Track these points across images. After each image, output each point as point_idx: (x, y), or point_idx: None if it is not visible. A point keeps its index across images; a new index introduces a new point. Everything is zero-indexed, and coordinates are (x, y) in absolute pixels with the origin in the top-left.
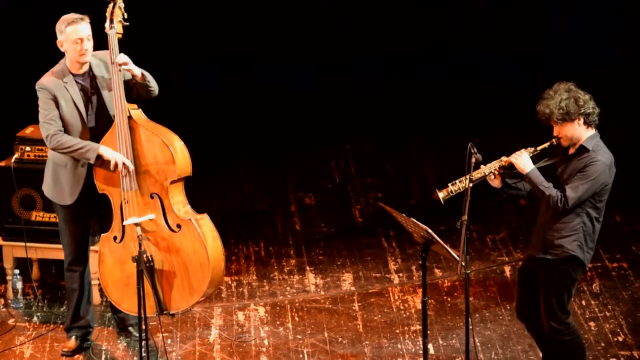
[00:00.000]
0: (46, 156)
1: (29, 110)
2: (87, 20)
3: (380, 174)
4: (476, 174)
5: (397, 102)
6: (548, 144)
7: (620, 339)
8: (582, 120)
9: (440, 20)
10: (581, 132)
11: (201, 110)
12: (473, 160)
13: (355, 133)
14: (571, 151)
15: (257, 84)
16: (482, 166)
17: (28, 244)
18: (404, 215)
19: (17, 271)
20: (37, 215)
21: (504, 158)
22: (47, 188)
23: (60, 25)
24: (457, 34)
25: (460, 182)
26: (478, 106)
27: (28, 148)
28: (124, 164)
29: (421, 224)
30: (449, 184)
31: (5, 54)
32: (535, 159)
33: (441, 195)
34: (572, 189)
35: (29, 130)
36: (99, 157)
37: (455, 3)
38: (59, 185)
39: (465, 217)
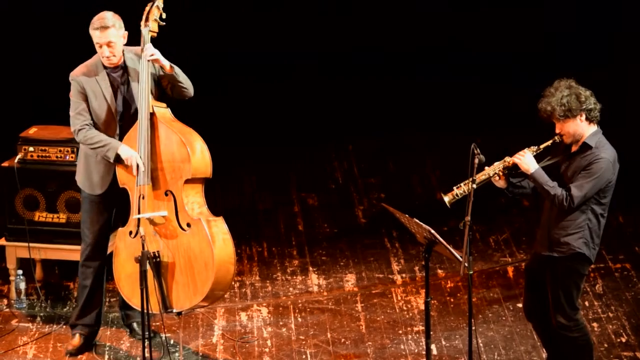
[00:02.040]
0: (50, 156)
1: (32, 111)
2: (113, 27)
3: (383, 174)
4: (480, 176)
5: (400, 102)
6: (551, 141)
7: (624, 340)
8: (583, 117)
9: (440, 20)
10: (583, 129)
11: (203, 110)
12: (476, 161)
13: (357, 133)
14: (574, 148)
15: (259, 83)
16: (486, 167)
17: (31, 245)
18: (407, 215)
19: (20, 272)
20: (40, 216)
21: (507, 158)
22: (79, 177)
23: (91, 24)
24: (457, 34)
25: (465, 184)
26: (479, 106)
27: (31, 148)
28: (137, 163)
29: (424, 225)
30: (454, 188)
31: (8, 54)
32: (538, 157)
33: (447, 199)
34: (577, 188)
35: (32, 131)
36: (118, 156)
37: (455, 3)
38: (90, 175)
39: (468, 218)
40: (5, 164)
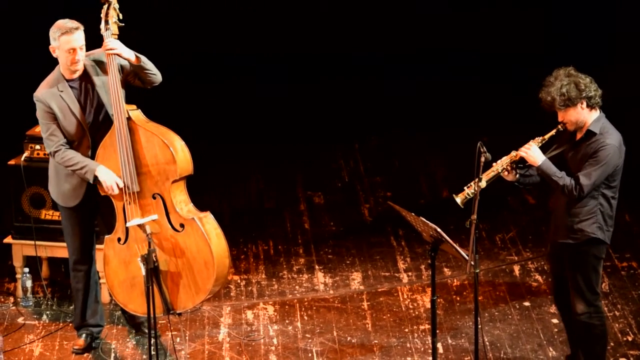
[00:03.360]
0: None
1: None
2: (81, 28)
3: (389, 172)
4: (489, 173)
5: (405, 102)
6: (555, 130)
7: (630, 339)
8: (584, 104)
9: (441, 20)
10: (585, 116)
11: (209, 111)
12: (482, 159)
13: (363, 132)
14: (579, 136)
15: (263, 83)
16: (493, 164)
17: (37, 243)
18: (413, 214)
19: (26, 269)
20: (47, 214)
21: (514, 152)
22: (52, 188)
23: (54, 32)
24: (457, 34)
25: (474, 183)
26: (480, 106)
27: (37, 146)
28: (117, 184)
29: (430, 223)
30: (465, 187)
31: (13, 53)
32: (544, 147)
33: (459, 199)
34: (585, 176)
35: (38, 129)
36: (97, 177)
37: (455, 3)
38: (62, 187)
39: (474, 217)
40: (12, 162)
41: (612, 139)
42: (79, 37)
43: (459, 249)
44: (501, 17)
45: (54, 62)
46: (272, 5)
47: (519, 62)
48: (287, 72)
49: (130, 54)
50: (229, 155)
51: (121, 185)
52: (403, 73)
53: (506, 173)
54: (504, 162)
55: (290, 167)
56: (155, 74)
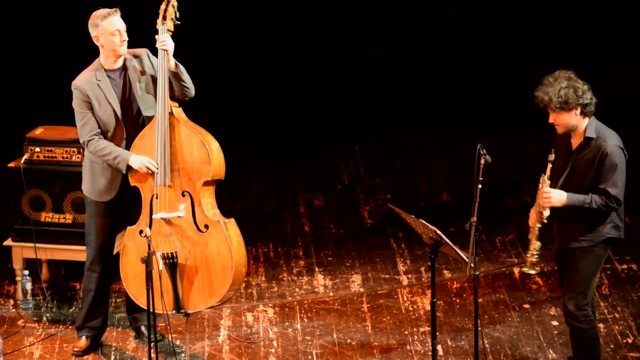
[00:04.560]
0: (56, 157)
1: (39, 111)
2: (119, 12)
3: (389, 175)
4: (532, 236)
5: (405, 102)
6: (550, 163)
7: (630, 341)
8: (579, 111)
9: (441, 19)
10: (577, 121)
11: (207, 111)
12: (482, 161)
13: (363, 134)
14: (577, 143)
15: (264, 84)
16: (530, 225)
17: (37, 245)
18: (412, 216)
19: (26, 272)
20: (47, 216)
21: (537, 208)
22: (86, 185)
23: (94, 20)
24: (458, 34)
25: (531, 245)
26: (480, 106)
27: (37, 149)
28: (149, 167)
29: (430, 225)
30: (526, 256)
31: (13, 55)
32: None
33: (531, 270)
34: (612, 187)
35: (38, 131)
36: (130, 166)
37: (456, 3)
38: (98, 182)
39: (474, 219)
40: (12, 164)
41: (612, 140)
42: (119, 20)
43: (458, 251)
44: (501, 17)
45: (56, 64)
46: (271, 5)
47: (519, 62)
48: (286, 72)
49: (172, 60)
50: (229, 156)
51: (155, 167)
52: (403, 73)
53: (542, 225)
54: (537, 218)
55: (290, 169)
56: (189, 88)
